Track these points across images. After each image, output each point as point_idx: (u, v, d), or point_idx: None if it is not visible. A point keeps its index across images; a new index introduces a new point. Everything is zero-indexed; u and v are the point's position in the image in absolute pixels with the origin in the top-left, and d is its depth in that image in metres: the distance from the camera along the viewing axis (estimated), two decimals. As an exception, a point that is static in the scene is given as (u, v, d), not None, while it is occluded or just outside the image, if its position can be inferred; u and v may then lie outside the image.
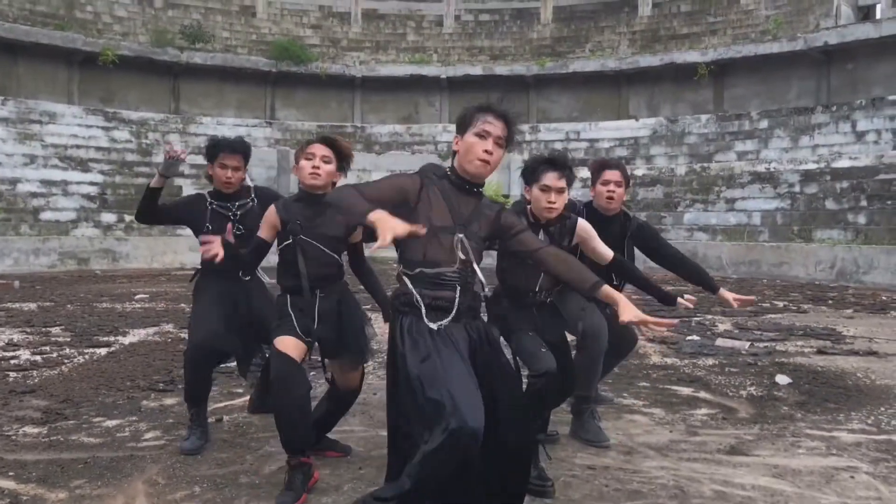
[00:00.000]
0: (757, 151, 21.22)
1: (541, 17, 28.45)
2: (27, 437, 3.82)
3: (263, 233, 3.35)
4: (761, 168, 19.67)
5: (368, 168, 22.65)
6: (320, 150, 3.35)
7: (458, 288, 2.55)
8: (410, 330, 2.51)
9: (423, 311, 2.51)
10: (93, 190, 19.24)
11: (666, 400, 4.79)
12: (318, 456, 3.47)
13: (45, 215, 17.70)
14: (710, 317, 9.10)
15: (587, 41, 27.41)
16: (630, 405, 4.65)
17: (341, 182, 3.35)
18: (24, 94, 22.10)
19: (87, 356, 6.07)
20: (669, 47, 25.21)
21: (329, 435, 3.72)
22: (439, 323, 2.51)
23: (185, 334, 7.11)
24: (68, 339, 6.87)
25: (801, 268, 15.68)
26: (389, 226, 2.18)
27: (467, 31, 29.16)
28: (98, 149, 21.12)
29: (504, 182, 22.14)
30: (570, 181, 3.27)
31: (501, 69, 26.28)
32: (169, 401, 4.59)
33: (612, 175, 3.99)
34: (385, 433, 3.89)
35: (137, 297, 10.66)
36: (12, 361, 5.80)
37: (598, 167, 4.08)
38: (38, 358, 5.94)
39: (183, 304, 9.61)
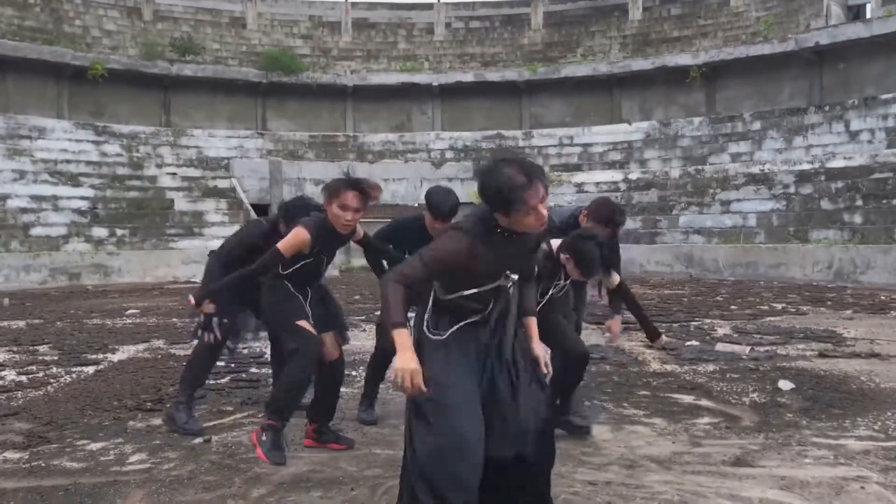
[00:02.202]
0: (751, 153, 21.18)
1: (531, 23, 28.44)
2: (7, 464, 3.68)
3: (288, 252, 3.59)
4: (755, 169, 19.62)
5: (362, 177, 22.54)
6: (354, 201, 3.55)
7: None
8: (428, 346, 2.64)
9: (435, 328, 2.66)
10: (84, 204, 19.09)
11: (667, 409, 4.67)
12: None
13: (36, 231, 17.54)
14: (708, 321, 9.00)
15: (578, 46, 27.40)
16: (631, 415, 4.53)
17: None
18: (13, 110, 21.96)
19: (74, 375, 5.92)
20: (661, 51, 25.21)
21: (320, 451, 3.61)
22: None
23: (175, 350, 7.01)
24: (56, 358, 6.72)
25: (798, 269, 15.60)
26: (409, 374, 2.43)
27: (458, 38, 29.12)
28: (88, 163, 20.97)
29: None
30: None
31: (493, 75, 26.23)
32: (156, 421, 4.45)
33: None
34: (379, 451, 3.78)
35: (128, 312, 10.52)
36: (-3, 383, 5.65)
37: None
38: (23, 378, 5.80)
39: (175, 319, 9.48)
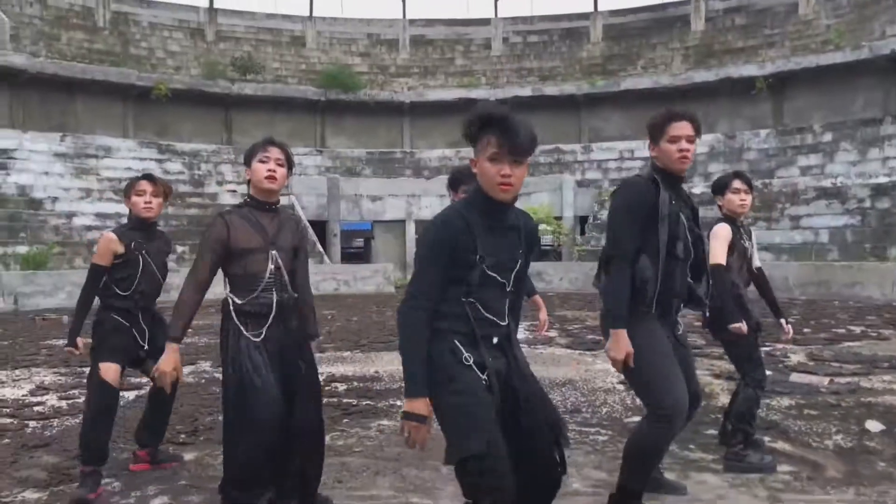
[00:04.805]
0: (822, 166, 20.25)
1: (590, 36, 27.99)
2: (25, 504, 3.48)
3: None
4: (827, 183, 18.73)
5: (418, 193, 22.40)
6: (149, 186, 3.92)
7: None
8: None
9: None
10: (145, 222, 19.38)
11: (739, 452, 4.20)
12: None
13: (99, 248, 17.85)
14: (779, 346, 8.38)
15: (639, 58, 26.80)
16: (698, 461, 4.09)
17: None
18: (81, 130, 22.58)
19: (114, 401, 5.77)
20: (724, 62, 24.44)
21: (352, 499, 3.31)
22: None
23: (219, 374, 6.80)
24: (100, 381, 6.60)
25: (875, 288, 14.70)
26: None
27: (515, 53, 28.85)
28: (151, 181, 21.36)
29: (556, 203, 21.59)
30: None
31: (551, 89, 25.86)
32: (187, 456, 4.23)
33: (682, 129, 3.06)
34: (416, 500, 3.44)
35: (180, 331, 10.44)
36: (36, 408, 5.54)
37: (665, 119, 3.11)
38: (63, 404, 5.69)
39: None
